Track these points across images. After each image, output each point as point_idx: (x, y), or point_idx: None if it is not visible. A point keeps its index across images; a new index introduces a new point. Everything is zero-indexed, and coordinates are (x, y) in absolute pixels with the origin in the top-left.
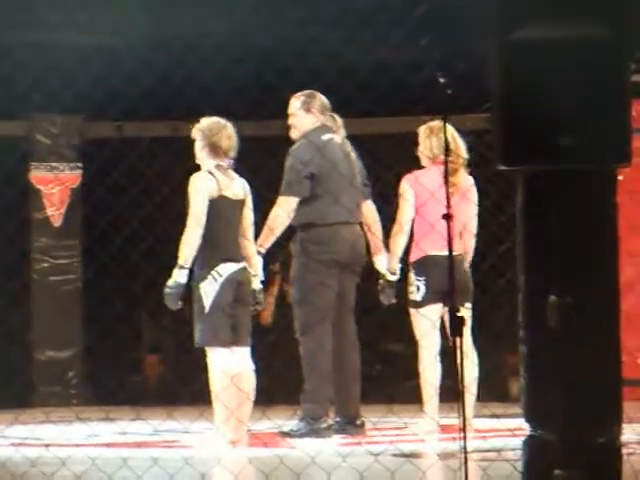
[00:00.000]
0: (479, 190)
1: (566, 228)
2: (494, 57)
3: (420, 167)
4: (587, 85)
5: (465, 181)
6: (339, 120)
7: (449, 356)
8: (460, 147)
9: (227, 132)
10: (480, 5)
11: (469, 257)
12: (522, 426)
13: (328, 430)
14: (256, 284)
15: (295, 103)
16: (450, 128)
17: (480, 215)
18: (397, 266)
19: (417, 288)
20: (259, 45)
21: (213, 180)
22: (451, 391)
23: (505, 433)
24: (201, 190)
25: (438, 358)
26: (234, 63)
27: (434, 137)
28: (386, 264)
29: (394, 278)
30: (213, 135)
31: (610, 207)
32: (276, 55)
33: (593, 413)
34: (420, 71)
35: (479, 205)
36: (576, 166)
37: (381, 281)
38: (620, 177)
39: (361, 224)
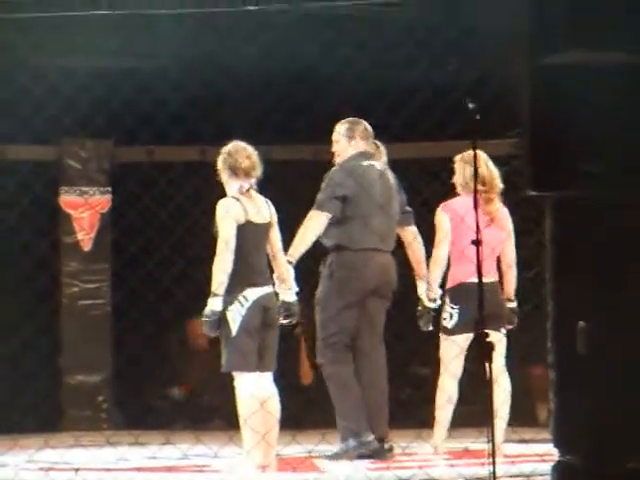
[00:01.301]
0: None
1: (595, 254)
2: (524, 82)
3: (453, 194)
4: (618, 111)
5: (498, 209)
6: (382, 147)
7: (475, 380)
8: (495, 176)
9: (246, 153)
10: (510, 31)
11: (512, 285)
12: (551, 451)
13: (372, 443)
14: (290, 297)
15: (339, 130)
16: (484, 156)
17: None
18: (436, 293)
19: (450, 316)
20: (291, 69)
21: (239, 206)
22: (480, 416)
23: (534, 458)
24: (229, 216)
25: (454, 385)
26: (265, 87)
27: (467, 166)
28: (425, 291)
29: (432, 305)
30: (230, 157)
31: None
32: (306, 79)
33: (622, 439)
34: (448, 96)
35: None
36: (606, 191)
37: (419, 307)
38: None
39: (403, 252)
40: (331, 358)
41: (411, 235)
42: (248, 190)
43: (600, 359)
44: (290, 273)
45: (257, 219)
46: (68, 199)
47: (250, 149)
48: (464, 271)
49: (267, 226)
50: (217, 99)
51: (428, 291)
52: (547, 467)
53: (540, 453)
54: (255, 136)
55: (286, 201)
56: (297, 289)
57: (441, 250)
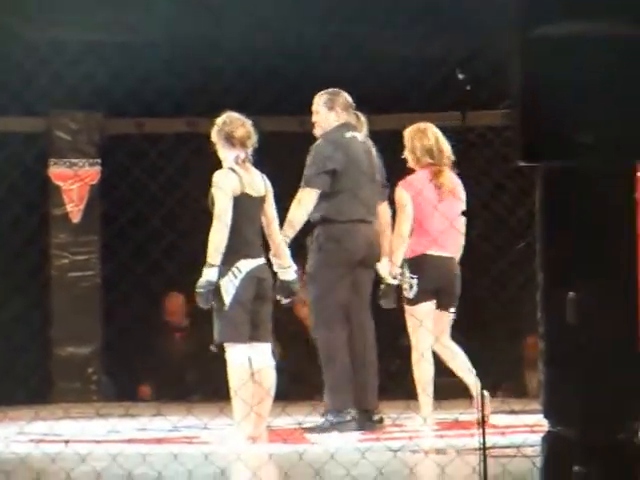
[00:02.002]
0: (500, 187)
1: (584, 224)
2: (515, 53)
3: (410, 169)
4: (607, 81)
5: (452, 181)
6: (362, 118)
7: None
8: (444, 148)
9: (240, 122)
10: (501, 1)
11: (458, 256)
12: (541, 422)
13: (352, 422)
14: (289, 275)
15: (319, 101)
16: (434, 129)
17: (498, 211)
18: (398, 270)
19: (410, 286)
20: (280, 41)
21: (236, 177)
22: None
23: (524, 429)
24: (225, 187)
25: (428, 356)
26: (254, 59)
27: (416, 140)
28: (388, 268)
29: (395, 282)
30: (225, 126)
31: (629, 203)
32: (297, 51)
33: (612, 409)
34: (439, 67)
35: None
36: (595, 162)
37: (382, 285)
38: (639, 174)
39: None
40: (324, 330)
41: (384, 211)
42: (244, 160)
43: (590, 330)
44: (286, 250)
45: (252, 192)
46: (57, 171)
47: (245, 119)
48: (423, 243)
49: (261, 199)
50: (206, 71)
51: (391, 268)
52: (537, 438)
53: (530, 424)
54: (244, 107)
55: (276, 172)
56: (295, 267)
57: (403, 228)
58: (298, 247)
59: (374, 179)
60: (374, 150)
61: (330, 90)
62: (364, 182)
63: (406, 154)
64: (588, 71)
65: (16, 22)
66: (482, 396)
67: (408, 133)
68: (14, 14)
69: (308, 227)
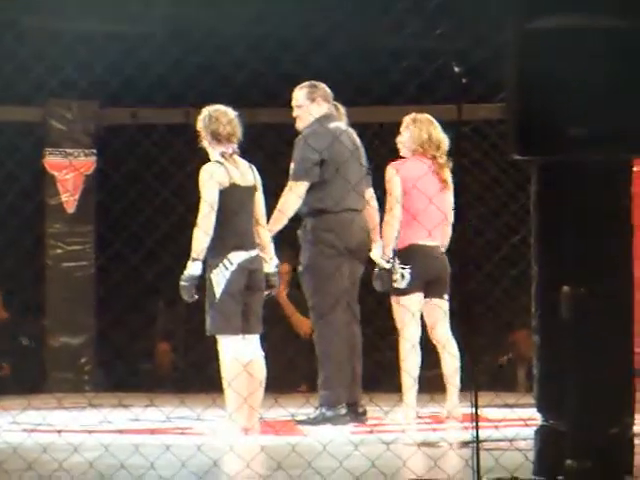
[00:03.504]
0: (493, 180)
1: (580, 218)
2: (510, 46)
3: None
4: (602, 75)
5: (449, 174)
6: (342, 109)
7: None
8: (444, 141)
9: (226, 118)
10: None
11: (446, 244)
12: (534, 416)
13: (345, 417)
14: (271, 267)
15: (300, 94)
16: (434, 121)
17: (493, 205)
18: (391, 253)
19: (402, 276)
20: (276, 32)
21: (223, 169)
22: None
23: (517, 423)
24: (211, 180)
25: (418, 348)
26: (251, 50)
27: (422, 129)
28: (380, 252)
29: (388, 265)
30: (212, 124)
31: (625, 198)
32: (293, 43)
33: (605, 404)
34: (435, 60)
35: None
36: (591, 156)
37: (376, 269)
38: (635, 168)
39: None
40: (322, 322)
41: (369, 197)
42: (231, 155)
43: (584, 324)
44: (270, 243)
45: (240, 182)
46: (53, 161)
47: (231, 113)
48: (415, 233)
49: (252, 189)
50: (202, 61)
51: (384, 251)
52: (530, 432)
53: (524, 417)
54: (239, 99)
55: (271, 164)
56: (277, 261)
57: (394, 213)
58: (283, 239)
59: (360, 168)
60: (357, 139)
61: (308, 83)
62: (352, 171)
63: (403, 141)
64: (584, 65)
65: (12, 10)
66: (476, 391)
67: (411, 121)
68: (13, 3)
69: (295, 219)
